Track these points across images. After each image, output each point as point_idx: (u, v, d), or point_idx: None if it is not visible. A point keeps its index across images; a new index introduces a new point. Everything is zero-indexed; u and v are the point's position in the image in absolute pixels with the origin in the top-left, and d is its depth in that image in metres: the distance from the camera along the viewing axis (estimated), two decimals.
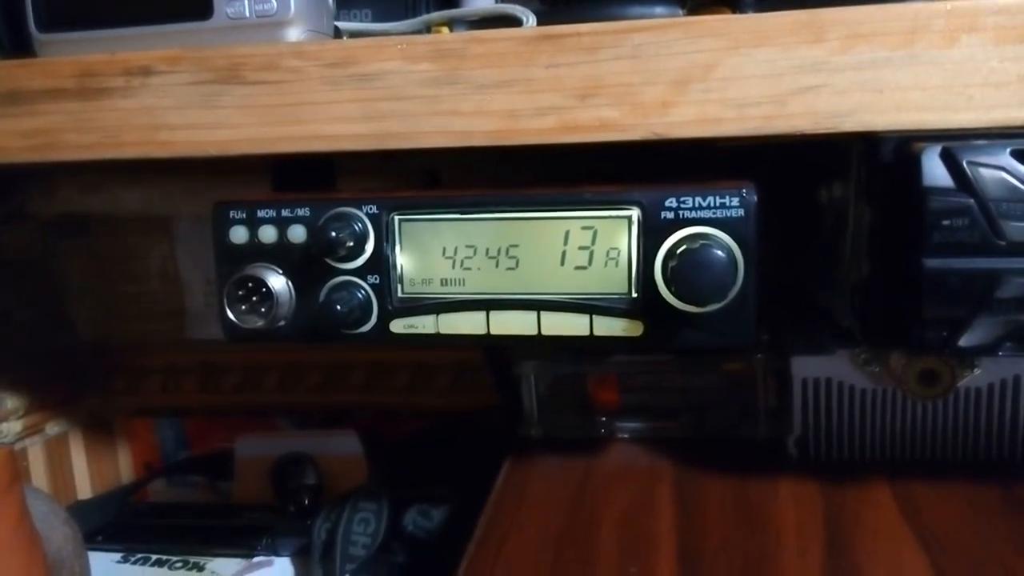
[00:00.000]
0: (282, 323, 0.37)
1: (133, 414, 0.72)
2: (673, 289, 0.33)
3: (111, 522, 0.61)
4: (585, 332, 0.35)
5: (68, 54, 0.38)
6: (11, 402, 0.63)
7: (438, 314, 0.36)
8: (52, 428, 0.67)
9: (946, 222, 0.29)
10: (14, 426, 0.64)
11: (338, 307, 0.35)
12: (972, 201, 0.29)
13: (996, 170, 0.29)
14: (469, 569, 0.36)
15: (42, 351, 0.68)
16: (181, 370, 0.70)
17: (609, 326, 0.35)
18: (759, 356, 0.46)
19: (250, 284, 0.36)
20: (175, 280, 0.69)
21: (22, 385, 0.64)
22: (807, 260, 0.43)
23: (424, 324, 0.36)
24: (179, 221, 0.68)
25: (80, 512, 0.60)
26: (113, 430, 0.72)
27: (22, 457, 0.64)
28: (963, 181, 0.29)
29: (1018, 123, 0.31)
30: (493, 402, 0.58)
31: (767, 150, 0.39)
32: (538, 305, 0.35)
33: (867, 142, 0.33)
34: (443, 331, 0.36)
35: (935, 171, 0.30)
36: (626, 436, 0.49)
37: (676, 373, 0.48)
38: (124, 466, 0.72)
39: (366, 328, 0.37)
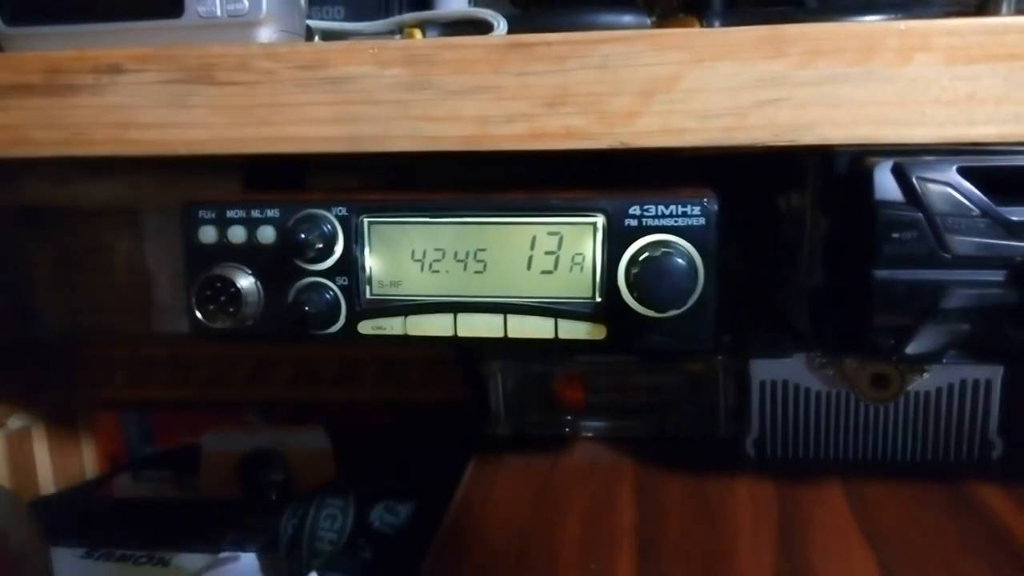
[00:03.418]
0: (250, 323, 0.37)
1: (99, 407, 0.71)
2: (635, 295, 0.34)
3: (74, 518, 0.61)
4: (550, 335, 0.36)
5: (36, 48, 0.37)
6: None
7: (406, 316, 0.37)
8: (14, 422, 0.66)
9: (896, 235, 0.31)
10: None
11: (306, 308, 0.36)
12: (920, 215, 0.31)
13: (943, 186, 0.31)
14: (434, 564, 0.36)
15: (6, 343, 0.67)
16: (148, 363, 0.70)
17: (573, 329, 0.36)
18: (720, 358, 0.47)
19: (218, 284, 0.36)
20: (142, 273, 0.69)
21: None
22: (767, 266, 0.44)
23: (392, 325, 0.37)
24: (147, 214, 0.67)
25: (43, 508, 0.60)
26: (77, 424, 0.71)
27: None
28: (912, 196, 0.31)
29: (967, 140, 0.32)
30: (462, 397, 0.59)
31: (730, 159, 0.40)
32: (505, 308, 0.36)
33: (824, 155, 0.34)
34: (411, 332, 0.37)
35: (886, 185, 0.31)
36: (590, 435, 0.50)
37: (640, 373, 0.49)
38: (88, 461, 0.72)
39: (334, 329, 0.37)
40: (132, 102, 0.36)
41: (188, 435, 0.68)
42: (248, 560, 0.55)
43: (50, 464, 0.68)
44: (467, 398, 0.58)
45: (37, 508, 0.50)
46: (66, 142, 0.37)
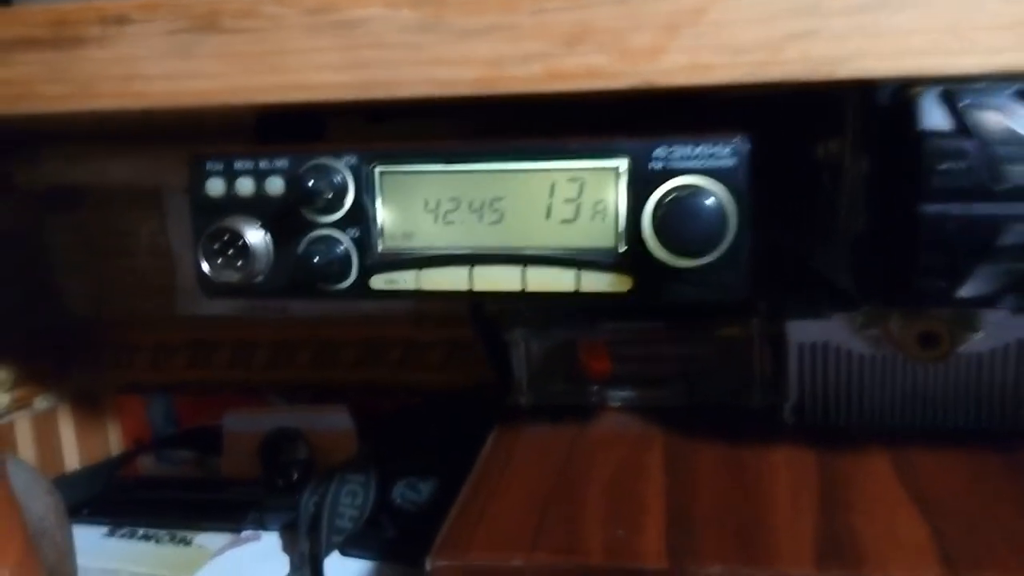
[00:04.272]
0: (259, 278, 0.36)
1: (123, 390, 0.71)
2: (662, 240, 0.32)
3: (97, 496, 0.60)
4: (571, 288, 0.34)
5: (42, 3, 0.37)
6: None
7: (419, 269, 0.35)
8: (40, 403, 0.66)
9: (944, 166, 0.28)
10: (1, 399, 0.63)
11: (316, 260, 0.34)
12: (972, 144, 0.28)
13: (996, 112, 0.28)
14: (452, 530, 0.35)
15: (31, 326, 0.67)
16: (171, 346, 0.70)
17: (596, 281, 0.34)
18: (754, 321, 0.45)
19: (226, 237, 0.35)
20: (166, 255, 0.68)
21: (10, 358, 0.64)
22: (804, 222, 0.41)
23: (405, 279, 0.35)
24: (170, 194, 0.67)
25: (66, 485, 0.59)
26: (102, 406, 0.71)
27: (9, 431, 0.63)
28: (962, 124, 0.28)
29: (1021, 68, 0.29)
30: (485, 378, 0.58)
31: (763, 104, 0.38)
32: (523, 260, 0.34)
33: (863, 90, 0.32)
34: (424, 287, 0.35)
35: (933, 114, 0.29)
36: (617, 405, 0.48)
37: (670, 341, 0.47)
38: (114, 442, 0.72)
39: (346, 284, 0.36)
40: (138, 53, 0.35)
41: (212, 417, 0.67)
42: (269, 539, 0.54)
43: (76, 445, 0.69)
44: (490, 378, 0.56)
45: (60, 485, 0.50)
46: (72, 96, 0.36)
